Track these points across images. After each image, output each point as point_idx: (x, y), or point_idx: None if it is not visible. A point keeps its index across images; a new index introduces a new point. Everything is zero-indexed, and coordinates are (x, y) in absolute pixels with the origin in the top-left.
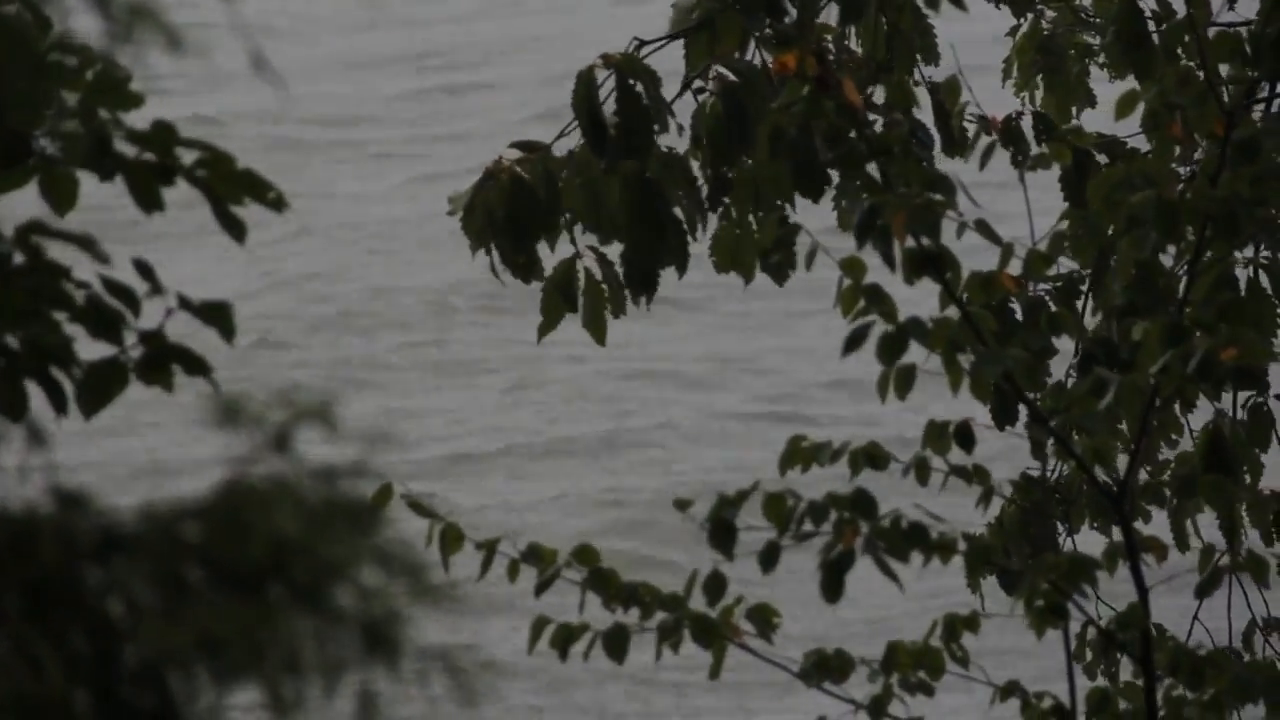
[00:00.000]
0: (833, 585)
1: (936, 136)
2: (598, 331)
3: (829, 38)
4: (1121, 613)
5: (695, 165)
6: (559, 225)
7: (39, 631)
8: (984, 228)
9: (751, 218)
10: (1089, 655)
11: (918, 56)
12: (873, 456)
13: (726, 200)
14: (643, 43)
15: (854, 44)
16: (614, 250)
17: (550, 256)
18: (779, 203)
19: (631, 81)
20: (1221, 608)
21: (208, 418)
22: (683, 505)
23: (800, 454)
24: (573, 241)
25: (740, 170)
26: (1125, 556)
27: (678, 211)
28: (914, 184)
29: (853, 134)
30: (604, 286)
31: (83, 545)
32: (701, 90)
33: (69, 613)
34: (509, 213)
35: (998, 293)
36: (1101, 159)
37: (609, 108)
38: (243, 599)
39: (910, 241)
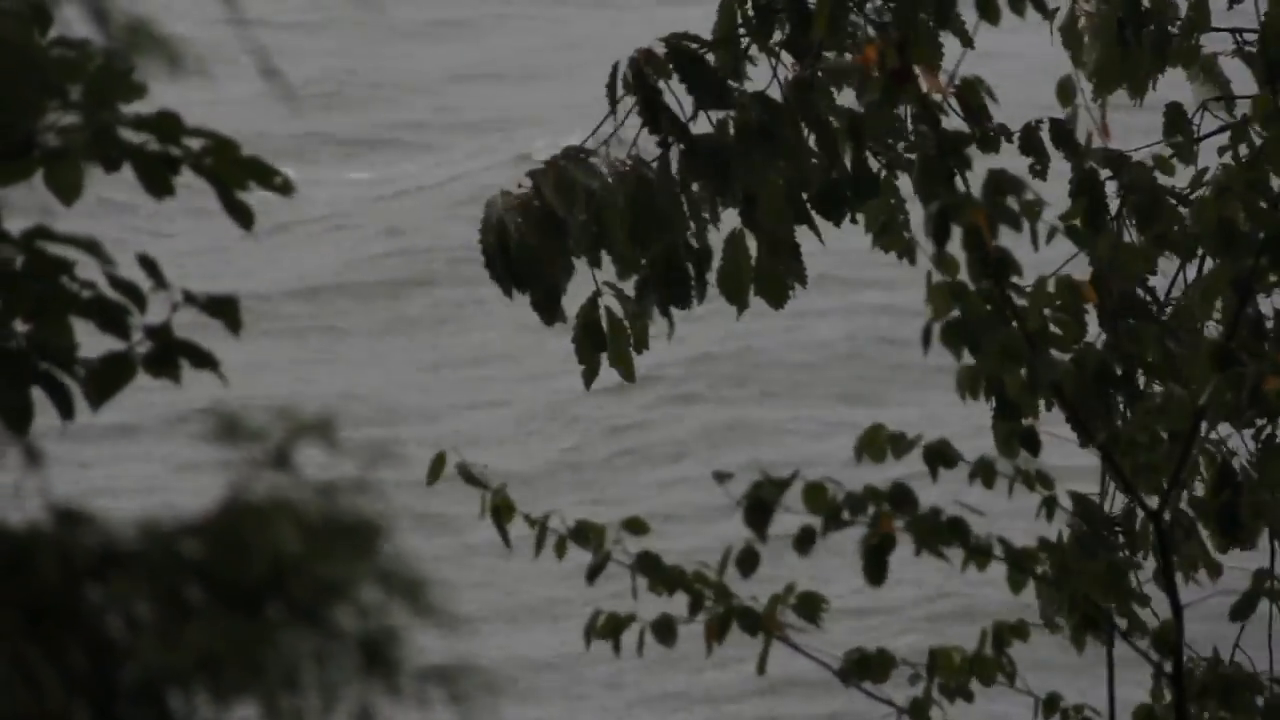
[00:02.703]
0: (876, 568)
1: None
2: (626, 368)
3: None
4: (1155, 631)
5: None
6: (568, 248)
7: (38, 649)
8: (1074, 232)
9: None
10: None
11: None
12: (944, 455)
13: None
14: (675, 39)
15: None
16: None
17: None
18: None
19: (688, 59)
20: (1262, 636)
21: (209, 433)
22: (722, 478)
23: (876, 443)
24: (595, 278)
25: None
26: (1160, 575)
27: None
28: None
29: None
30: (626, 324)
31: (82, 562)
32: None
33: (68, 630)
34: (527, 236)
35: (1082, 301)
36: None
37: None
38: (242, 616)
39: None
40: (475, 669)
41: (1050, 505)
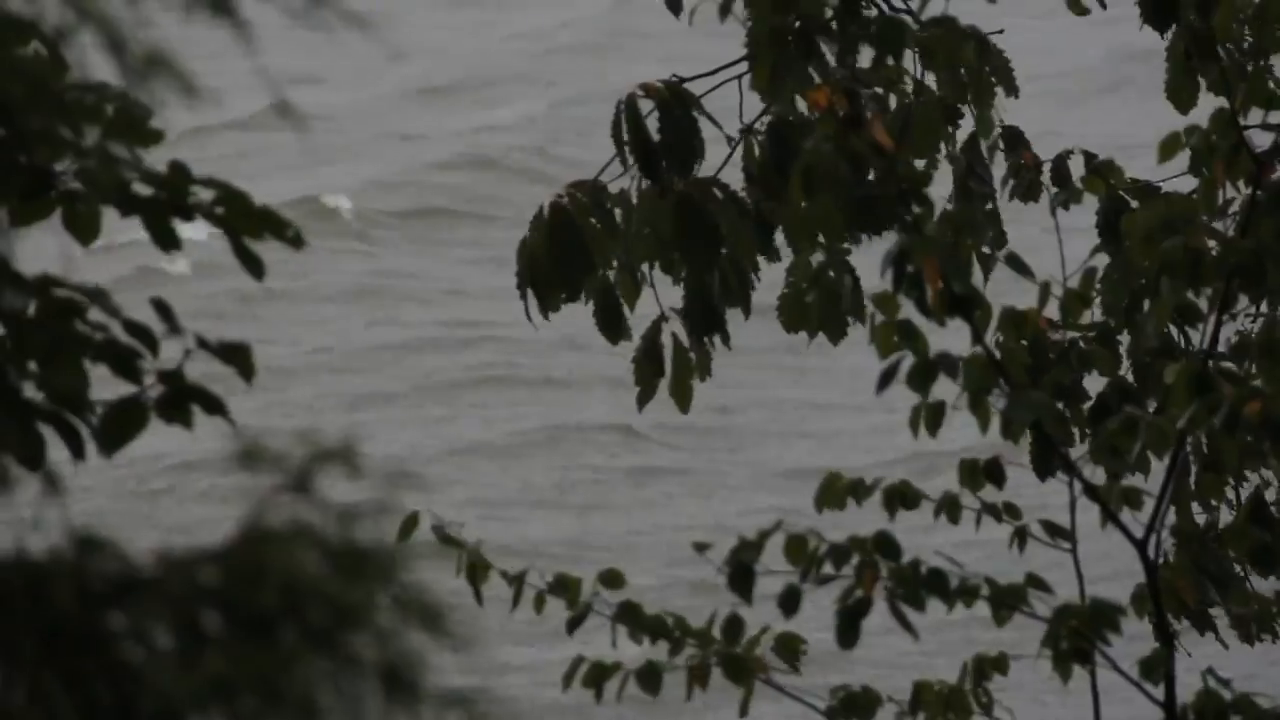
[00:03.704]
0: (848, 632)
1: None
2: (682, 400)
3: (904, 79)
4: (1145, 658)
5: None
6: (599, 262)
7: (55, 676)
8: (1014, 260)
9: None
10: None
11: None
12: (905, 495)
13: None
14: (681, 80)
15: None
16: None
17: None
18: (843, 243)
19: (673, 106)
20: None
21: (231, 458)
22: (701, 548)
23: (836, 492)
24: (658, 300)
25: (790, 210)
26: (1150, 601)
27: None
28: (942, 225)
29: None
30: (691, 355)
31: (99, 589)
32: (752, 131)
33: (86, 657)
34: (551, 251)
35: (1030, 331)
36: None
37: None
38: (259, 643)
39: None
40: (494, 694)
41: (1021, 536)
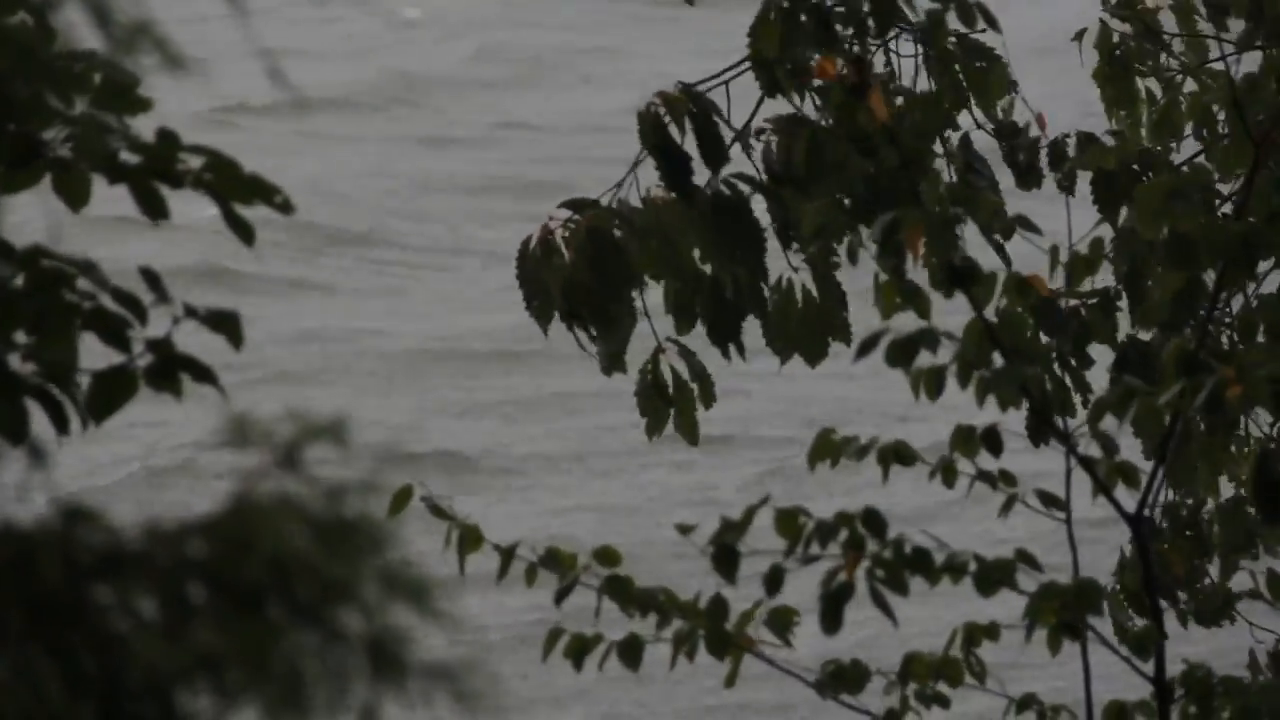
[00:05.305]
0: (832, 617)
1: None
2: (690, 433)
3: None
4: (1136, 632)
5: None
6: (638, 278)
7: (41, 648)
8: (1023, 220)
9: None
10: None
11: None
12: (900, 454)
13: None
14: (687, 86)
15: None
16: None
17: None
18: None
19: (696, 109)
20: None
21: (219, 434)
22: (685, 530)
23: (828, 448)
24: (655, 333)
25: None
26: (1141, 577)
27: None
28: (939, 198)
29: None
30: (692, 386)
31: (86, 562)
32: (764, 132)
33: (73, 629)
34: (594, 271)
35: (1032, 296)
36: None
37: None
38: (246, 617)
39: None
40: (480, 667)
41: (1011, 504)
